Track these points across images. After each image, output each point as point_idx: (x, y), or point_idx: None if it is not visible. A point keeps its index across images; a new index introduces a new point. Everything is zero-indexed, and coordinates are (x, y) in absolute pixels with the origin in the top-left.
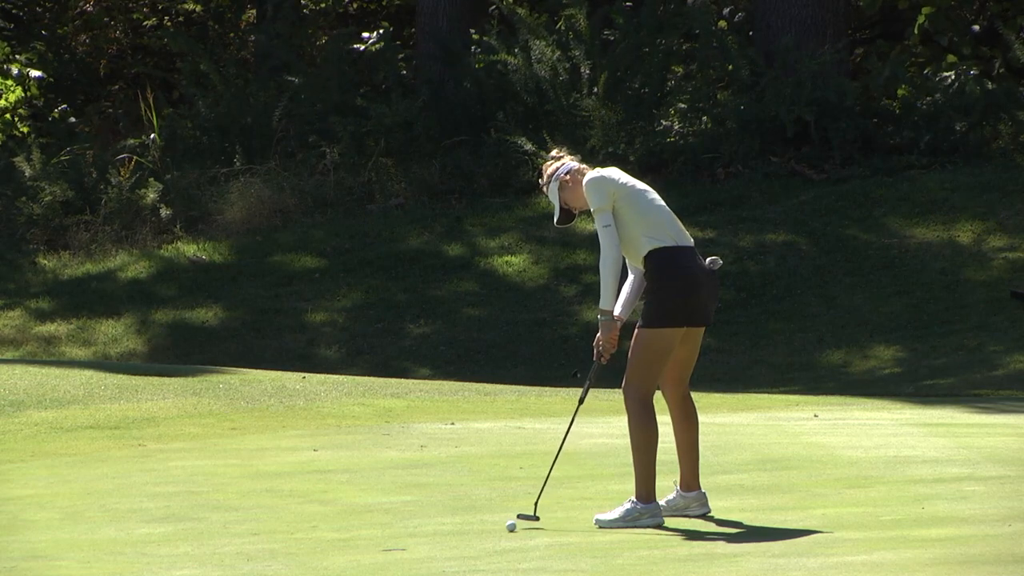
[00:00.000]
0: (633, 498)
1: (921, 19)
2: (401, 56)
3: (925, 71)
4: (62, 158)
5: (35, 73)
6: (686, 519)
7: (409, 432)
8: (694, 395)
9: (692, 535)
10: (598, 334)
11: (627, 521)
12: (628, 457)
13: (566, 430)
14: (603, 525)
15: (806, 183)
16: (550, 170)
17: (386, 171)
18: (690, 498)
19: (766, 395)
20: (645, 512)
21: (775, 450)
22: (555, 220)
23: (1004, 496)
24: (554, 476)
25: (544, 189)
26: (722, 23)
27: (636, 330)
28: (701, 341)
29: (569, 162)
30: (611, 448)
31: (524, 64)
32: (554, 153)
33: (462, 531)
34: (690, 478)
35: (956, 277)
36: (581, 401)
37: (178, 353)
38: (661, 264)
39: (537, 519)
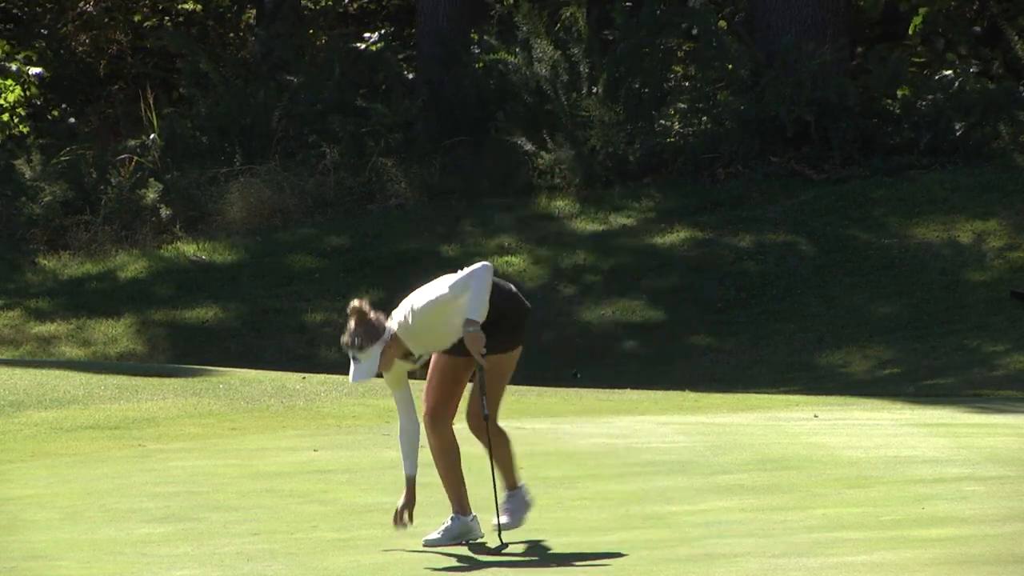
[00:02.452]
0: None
1: (917, 20)
2: (401, 56)
3: (925, 71)
4: (62, 158)
5: (34, 71)
6: (686, 519)
7: None
8: (694, 395)
9: (692, 536)
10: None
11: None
12: (628, 457)
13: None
14: (430, 544)
15: (806, 183)
16: (373, 328)
17: (386, 171)
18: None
19: (766, 395)
20: (464, 527)
21: (775, 450)
22: (356, 375)
23: (1004, 496)
24: (554, 476)
25: (357, 343)
26: (722, 23)
27: (485, 360)
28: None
29: (387, 323)
30: (611, 448)
31: (524, 64)
32: (366, 307)
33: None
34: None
35: (956, 277)
36: (486, 418)
37: (178, 353)
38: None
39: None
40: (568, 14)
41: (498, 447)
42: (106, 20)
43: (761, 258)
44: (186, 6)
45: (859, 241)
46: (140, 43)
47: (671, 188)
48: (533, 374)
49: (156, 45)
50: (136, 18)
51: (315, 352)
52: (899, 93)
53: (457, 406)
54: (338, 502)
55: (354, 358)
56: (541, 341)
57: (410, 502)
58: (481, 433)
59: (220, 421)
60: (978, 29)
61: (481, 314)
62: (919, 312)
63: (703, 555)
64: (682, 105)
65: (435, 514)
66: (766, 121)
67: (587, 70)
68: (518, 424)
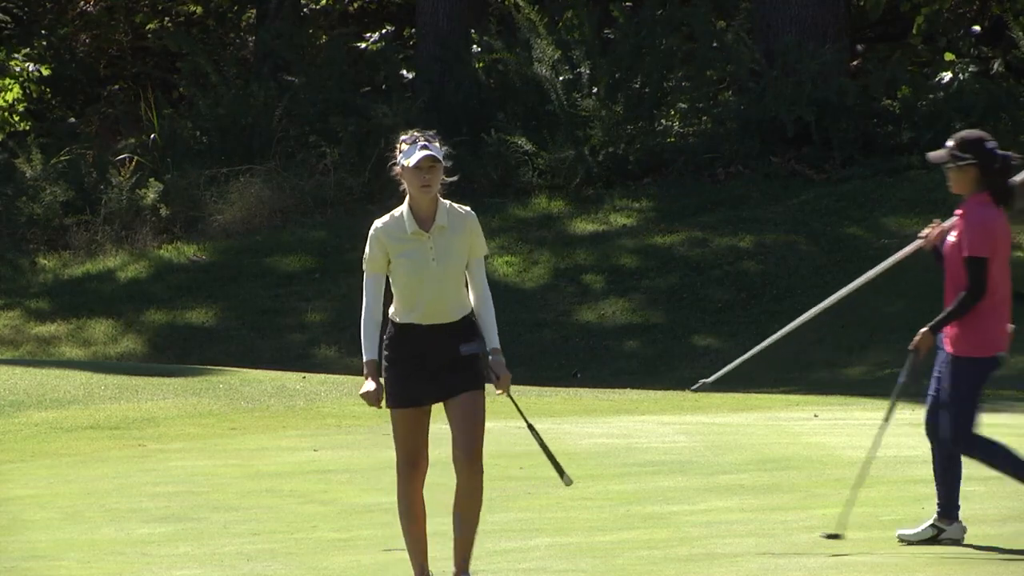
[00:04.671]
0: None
1: (919, 20)
2: (401, 56)
3: (925, 71)
4: (62, 158)
5: (33, 66)
6: (686, 519)
7: None
8: (694, 396)
9: (692, 536)
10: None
11: None
12: (629, 457)
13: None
14: None
15: (806, 183)
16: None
17: (386, 171)
18: None
19: (766, 395)
20: None
21: (775, 450)
22: (422, 158)
23: (1004, 496)
24: (554, 476)
25: (430, 136)
26: (722, 23)
27: (475, 393)
28: None
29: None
30: (611, 448)
31: (524, 64)
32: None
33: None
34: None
35: None
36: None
37: (178, 353)
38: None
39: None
40: (569, 15)
41: (476, 491)
42: (107, 20)
43: (761, 258)
44: (186, 7)
45: (859, 241)
46: (140, 44)
47: (671, 188)
48: (533, 374)
49: (158, 46)
50: (137, 19)
51: (315, 352)
52: (899, 93)
53: (427, 461)
54: (338, 502)
55: (426, 144)
56: (541, 341)
57: (380, 386)
58: (464, 470)
59: (220, 421)
60: (978, 29)
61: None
62: (919, 312)
63: (703, 555)
64: (682, 105)
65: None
66: (766, 121)
67: (587, 70)
68: (518, 424)
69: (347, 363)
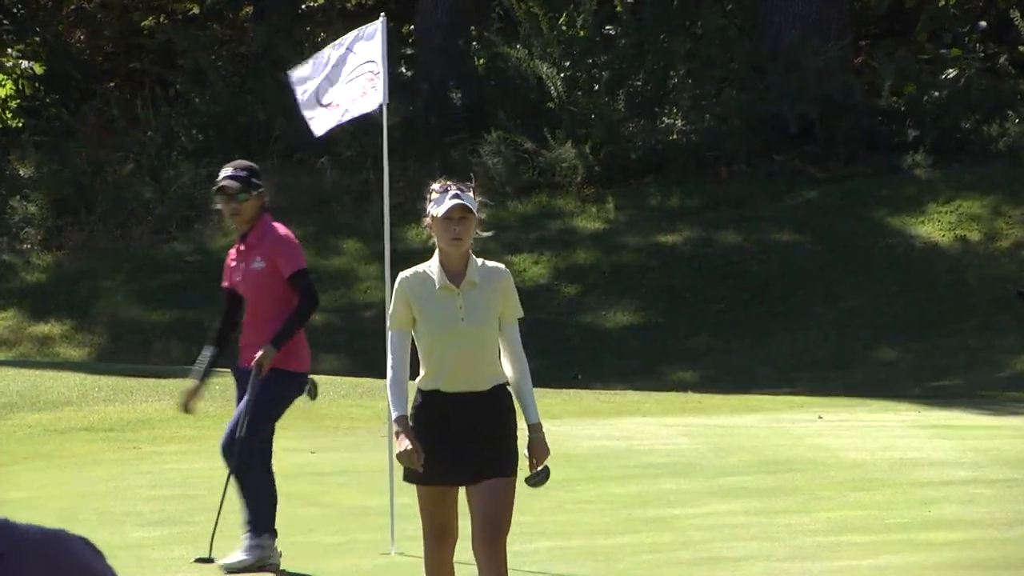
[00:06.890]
0: None
1: (924, 16)
2: (401, 54)
3: (932, 65)
4: (58, 157)
5: (25, 63)
6: (688, 522)
7: None
8: (697, 396)
9: (695, 539)
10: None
11: None
12: (630, 460)
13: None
14: None
15: (810, 181)
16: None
17: (385, 171)
18: None
19: (769, 396)
20: None
21: (779, 452)
22: (452, 208)
23: (1012, 499)
24: (555, 479)
25: (465, 187)
26: (723, 21)
27: (503, 479)
28: None
29: None
30: (612, 450)
31: (525, 61)
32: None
33: (462, 533)
34: None
35: (961, 277)
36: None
37: (175, 353)
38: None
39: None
40: (570, 11)
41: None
42: (99, 16)
43: (764, 257)
44: (182, 5)
45: (863, 240)
46: (137, 41)
47: (674, 186)
48: (533, 375)
49: (154, 43)
50: (134, 16)
51: (314, 352)
52: (904, 90)
53: (457, 533)
54: (336, 505)
55: (457, 193)
56: (541, 341)
57: (416, 444)
58: (484, 562)
59: (216, 423)
60: (984, 24)
61: (537, 414)
62: (924, 312)
63: (706, 559)
64: (685, 102)
65: None
66: (770, 119)
67: (589, 68)
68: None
69: (345, 364)
